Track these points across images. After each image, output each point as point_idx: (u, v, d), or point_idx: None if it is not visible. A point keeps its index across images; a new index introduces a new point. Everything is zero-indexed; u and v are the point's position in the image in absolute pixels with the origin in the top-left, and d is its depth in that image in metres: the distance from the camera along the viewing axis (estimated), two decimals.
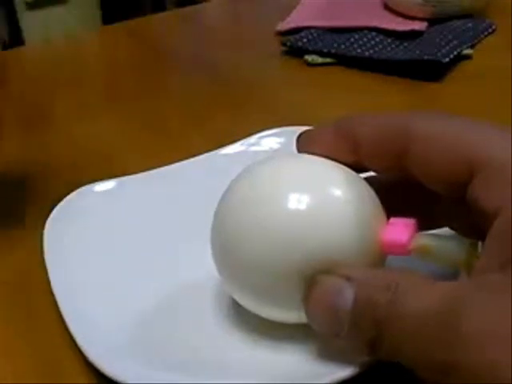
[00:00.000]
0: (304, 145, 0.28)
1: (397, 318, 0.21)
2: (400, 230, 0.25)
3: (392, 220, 0.26)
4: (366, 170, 0.27)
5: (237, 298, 0.27)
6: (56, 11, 1.63)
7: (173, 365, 0.26)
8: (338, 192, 0.25)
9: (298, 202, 0.25)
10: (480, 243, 0.24)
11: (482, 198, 0.22)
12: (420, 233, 0.25)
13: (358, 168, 0.27)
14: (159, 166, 0.37)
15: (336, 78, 0.54)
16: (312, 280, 0.24)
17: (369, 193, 0.26)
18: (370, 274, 0.23)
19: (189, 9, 0.75)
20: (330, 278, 0.23)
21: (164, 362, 0.26)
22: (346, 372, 0.24)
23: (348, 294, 0.23)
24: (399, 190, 0.28)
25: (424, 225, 0.26)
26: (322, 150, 0.27)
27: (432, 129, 0.24)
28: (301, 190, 0.25)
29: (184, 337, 0.28)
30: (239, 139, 0.40)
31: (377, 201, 0.26)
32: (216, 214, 0.27)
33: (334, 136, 0.27)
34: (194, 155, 0.39)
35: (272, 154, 0.29)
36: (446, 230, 0.28)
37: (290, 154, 0.28)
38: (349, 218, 0.25)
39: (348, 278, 0.23)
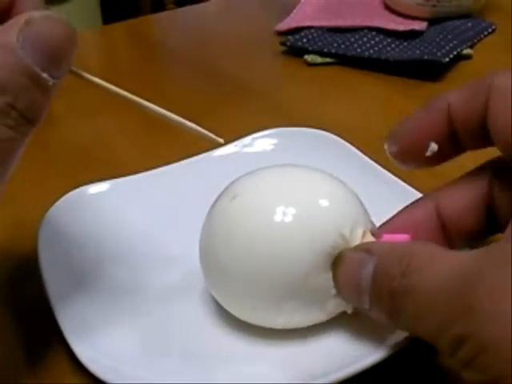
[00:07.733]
0: (397, 134, 0.27)
1: (410, 291, 0.21)
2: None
3: (386, 237, 0.26)
4: (462, 148, 0.26)
5: (227, 308, 0.28)
6: (56, 11, 1.62)
7: (171, 365, 0.26)
8: (321, 201, 0.26)
9: (282, 213, 0.26)
10: None
11: None
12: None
13: (452, 145, 0.26)
14: (159, 166, 0.37)
15: (336, 77, 0.54)
16: (338, 256, 0.25)
17: (353, 198, 0.27)
18: (387, 247, 0.23)
19: (189, 9, 0.75)
20: (353, 252, 0.25)
21: (160, 363, 0.26)
22: (346, 371, 0.24)
23: (369, 267, 0.23)
24: None
25: None
26: (416, 128, 0.26)
27: (509, 81, 0.24)
28: (285, 201, 0.26)
29: (181, 337, 0.28)
30: (239, 139, 0.40)
31: (361, 206, 0.27)
32: (203, 230, 0.28)
33: (426, 113, 0.26)
34: (193, 155, 0.39)
35: (258, 166, 0.29)
36: None
37: (274, 165, 0.29)
38: (332, 227, 0.25)
39: (368, 251, 0.24)
